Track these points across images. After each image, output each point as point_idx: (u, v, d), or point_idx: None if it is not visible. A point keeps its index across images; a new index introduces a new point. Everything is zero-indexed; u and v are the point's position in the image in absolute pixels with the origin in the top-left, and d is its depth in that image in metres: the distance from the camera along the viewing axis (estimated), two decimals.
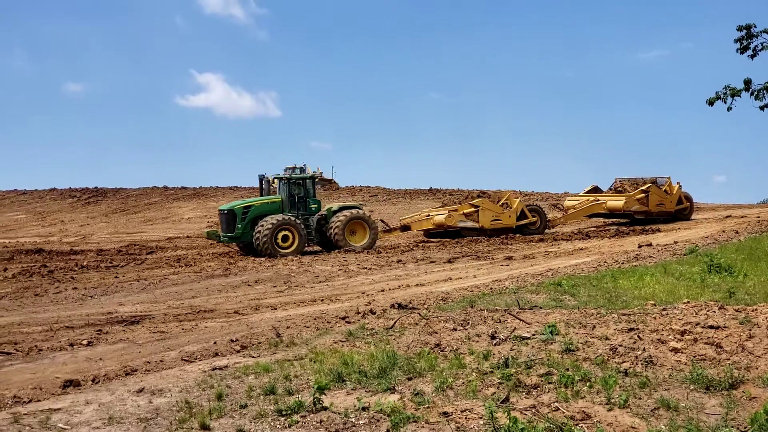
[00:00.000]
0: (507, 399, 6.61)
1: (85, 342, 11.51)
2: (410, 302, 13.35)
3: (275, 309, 14.47)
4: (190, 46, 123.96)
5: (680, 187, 34.61)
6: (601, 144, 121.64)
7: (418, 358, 8.21)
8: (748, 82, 21.02)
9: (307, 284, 18.52)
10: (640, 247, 22.90)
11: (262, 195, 28.51)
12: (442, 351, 8.58)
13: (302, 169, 72.97)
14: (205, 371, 8.79)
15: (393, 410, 6.46)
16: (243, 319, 13.29)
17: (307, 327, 11.68)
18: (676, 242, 23.93)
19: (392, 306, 12.78)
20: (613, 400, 6.43)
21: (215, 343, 10.84)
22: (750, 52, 21.53)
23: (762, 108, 20.67)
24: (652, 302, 10.91)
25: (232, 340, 10.88)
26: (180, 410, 7.07)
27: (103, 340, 11.70)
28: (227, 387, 7.83)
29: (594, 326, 9.09)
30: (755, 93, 20.98)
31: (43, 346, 11.28)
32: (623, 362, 7.56)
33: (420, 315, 10.83)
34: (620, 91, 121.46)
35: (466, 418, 6.22)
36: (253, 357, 9.47)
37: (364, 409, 6.63)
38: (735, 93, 20.89)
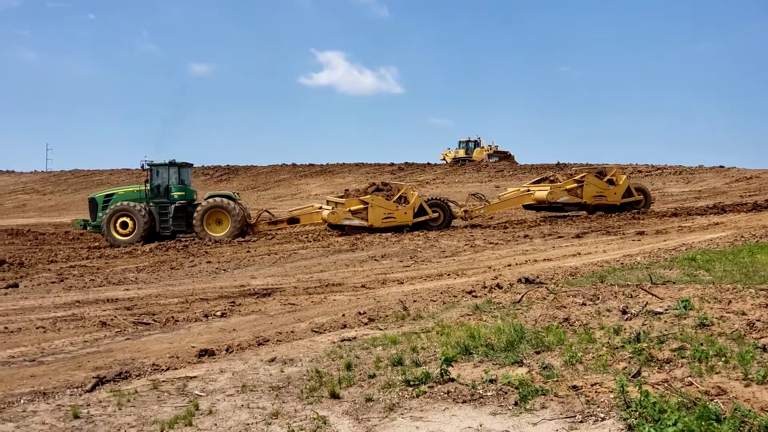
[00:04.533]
0: (638, 373, 6.46)
1: (219, 313, 11.90)
2: (538, 277, 13.20)
3: (402, 283, 14.58)
4: (310, 25, 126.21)
5: (627, 177, 31.37)
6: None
7: (546, 332, 8.11)
8: None
9: (434, 259, 18.56)
10: None
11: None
12: (571, 325, 8.45)
13: (476, 143, 69.77)
14: (334, 342, 8.96)
15: (521, 383, 6.41)
16: (370, 293, 13.45)
17: (434, 301, 11.72)
18: None
19: (519, 280, 12.68)
20: (750, 376, 6.18)
21: (343, 315, 11.01)
22: None
23: None
24: None
25: (359, 313, 11.03)
26: (310, 379, 7.23)
27: (236, 312, 12.07)
28: (356, 357, 7.95)
29: (730, 301, 8.76)
30: None
31: (180, 317, 11.73)
32: (761, 338, 7.25)
33: (548, 289, 10.70)
34: None
35: (596, 391, 6.12)
36: (381, 329, 9.58)
37: (491, 381, 6.61)
38: None
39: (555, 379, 6.54)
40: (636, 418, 5.44)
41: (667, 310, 8.56)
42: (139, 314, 12.06)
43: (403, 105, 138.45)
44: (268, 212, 28.95)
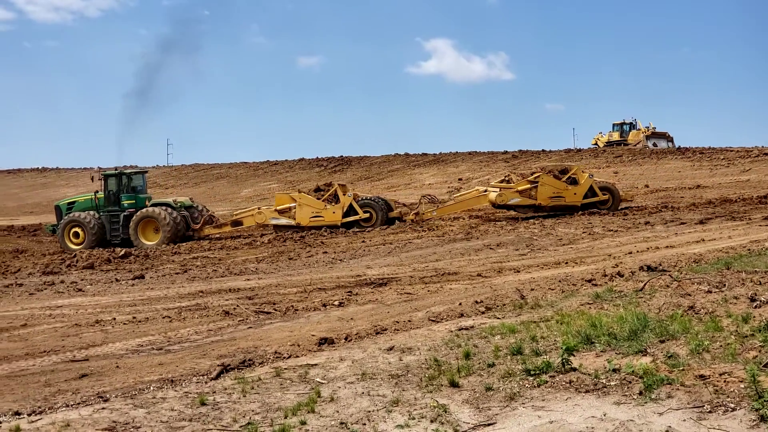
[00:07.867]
0: None
1: (336, 303, 12.07)
2: (660, 264, 12.86)
3: (518, 272, 14.44)
4: (415, 14, 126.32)
5: (590, 176, 28.52)
6: None
7: (670, 321, 7.90)
8: None
9: (550, 247, 18.31)
10: None
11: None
12: (696, 313, 8.21)
13: (632, 125, 65.52)
14: (451, 331, 8.96)
15: (645, 372, 6.26)
16: (486, 282, 13.38)
17: (552, 289, 11.57)
18: None
19: (641, 268, 12.37)
20: None
21: (460, 304, 10.99)
22: None
23: None
24: None
25: (476, 302, 10.98)
26: (429, 368, 7.25)
27: (353, 301, 12.22)
28: (474, 346, 7.92)
29: None
30: None
31: (299, 306, 11.96)
32: None
33: (671, 277, 10.40)
34: None
35: (725, 381, 5.91)
36: (498, 318, 9.52)
37: (614, 370, 6.48)
38: None
39: (681, 369, 6.35)
40: None
41: None
42: (260, 303, 12.37)
43: (514, 91, 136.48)
44: (213, 216, 28.88)
